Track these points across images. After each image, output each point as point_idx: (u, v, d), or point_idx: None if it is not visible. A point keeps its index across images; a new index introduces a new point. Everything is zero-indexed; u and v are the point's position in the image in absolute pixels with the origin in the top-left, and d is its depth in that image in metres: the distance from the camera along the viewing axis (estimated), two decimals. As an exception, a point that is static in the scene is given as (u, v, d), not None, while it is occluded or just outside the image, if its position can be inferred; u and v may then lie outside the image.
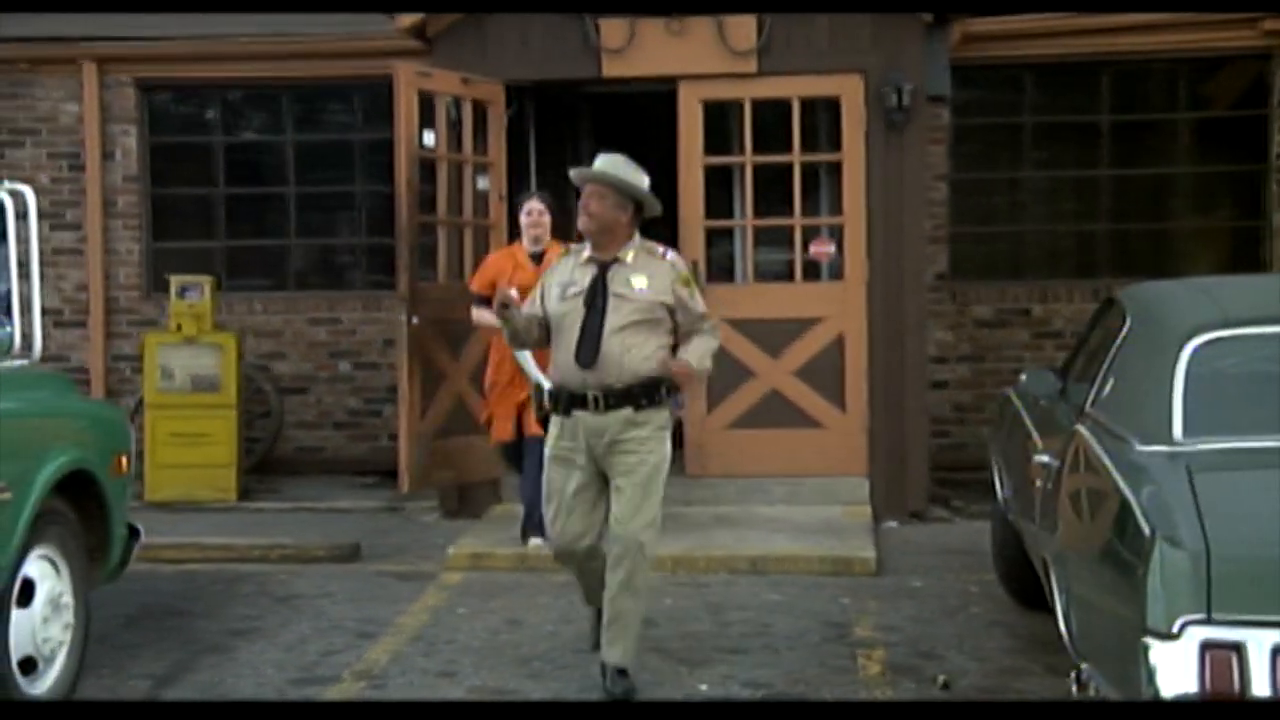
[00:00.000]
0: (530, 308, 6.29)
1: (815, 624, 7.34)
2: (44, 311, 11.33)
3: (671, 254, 6.24)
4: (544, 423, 6.30)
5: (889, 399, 9.67)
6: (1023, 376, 6.59)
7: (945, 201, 11.19)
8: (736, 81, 9.65)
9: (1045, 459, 5.62)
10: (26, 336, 4.59)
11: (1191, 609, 3.71)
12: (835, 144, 9.80)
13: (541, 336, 6.28)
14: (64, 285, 11.71)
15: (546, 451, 6.25)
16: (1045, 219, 11.45)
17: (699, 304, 6.21)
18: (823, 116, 10.04)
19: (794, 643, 7.03)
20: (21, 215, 4.48)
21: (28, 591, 5.56)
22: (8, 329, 4.56)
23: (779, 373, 9.71)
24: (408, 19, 9.68)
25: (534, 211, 8.14)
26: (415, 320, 8.94)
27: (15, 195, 4.50)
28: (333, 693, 6.30)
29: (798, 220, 9.77)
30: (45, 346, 4.73)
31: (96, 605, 7.58)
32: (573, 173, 6.28)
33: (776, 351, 9.69)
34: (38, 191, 11.44)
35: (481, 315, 8.10)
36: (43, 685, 5.70)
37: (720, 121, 9.92)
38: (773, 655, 6.82)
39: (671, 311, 6.12)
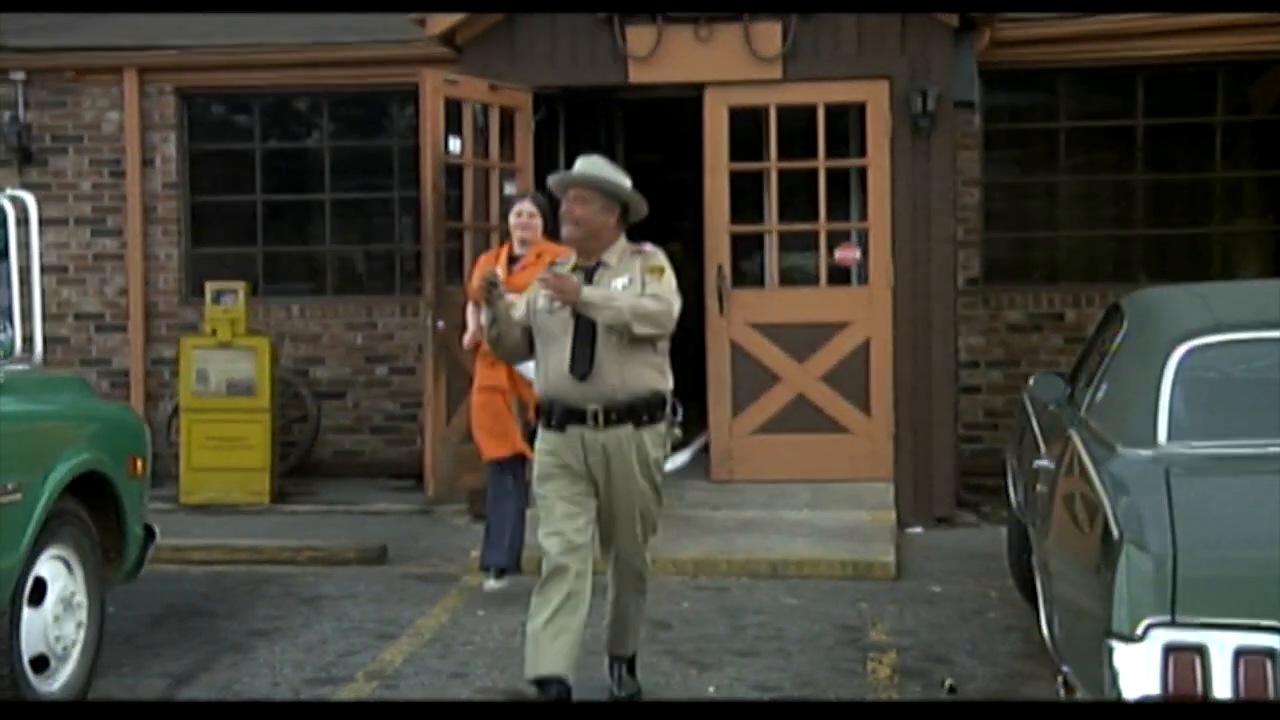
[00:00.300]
0: (517, 313, 5.93)
1: (830, 628, 7.38)
2: (79, 316, 11.75)
3: (649, 246, 5.90)
4: (528, 439, 6.10)
5: (915, 404, 9.68)
6: (1031, 381, 6.59)
7: (977, 206, 11.18)
8: (762, 88, 9.68)
9: (1044, 463, 5.64)
10: (29, 340, 4.68)
11: (1155, 612, 3.73)
12: (861, 149, 9.81)
13: (524, 343, 5.92)
14: (106, 290, 11.89)
15: (536, 468, 5.88)
16: (1079, 224, 11.42)
17: (655, 285, 5.69)
18: (848, 122, 10.04)
19: (806, 646, 7.07)
20: (22, 221, 4.57)
21: (40, 591, 5.68)
22: (9, 333, 4.66)
23: (805, 378, 9.73)
24: (438, 27, 9.78)
25: (523, 214, 7.78)
26: (441, 324, 9.02)
27: (16, 201, 4.58)
28: (345, 692, 6.39)
29: (823, 225, 9.78)
30: (47, 349, 4.82)
31: (123, 605, 7.79)
32: (552, 179, 6.01)
33: (802, 356, 9.71)
34: (80, 198, 11.85)
35: (470, 319, 7.86)
36: (55, 683, 5.81)
37: (747, 127, 9.94)
38: (784, 658, 6.86)
39: None
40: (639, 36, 9.73)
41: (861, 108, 9.72)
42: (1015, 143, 11.51)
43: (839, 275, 10.00)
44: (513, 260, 7.76)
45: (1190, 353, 4.82)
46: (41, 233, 11.52)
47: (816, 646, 7.06)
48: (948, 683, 6.37)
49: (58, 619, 5.76)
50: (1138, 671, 3.69)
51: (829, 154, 9.72)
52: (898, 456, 9.68)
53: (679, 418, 5.89)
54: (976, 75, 10.69)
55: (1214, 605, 3.72)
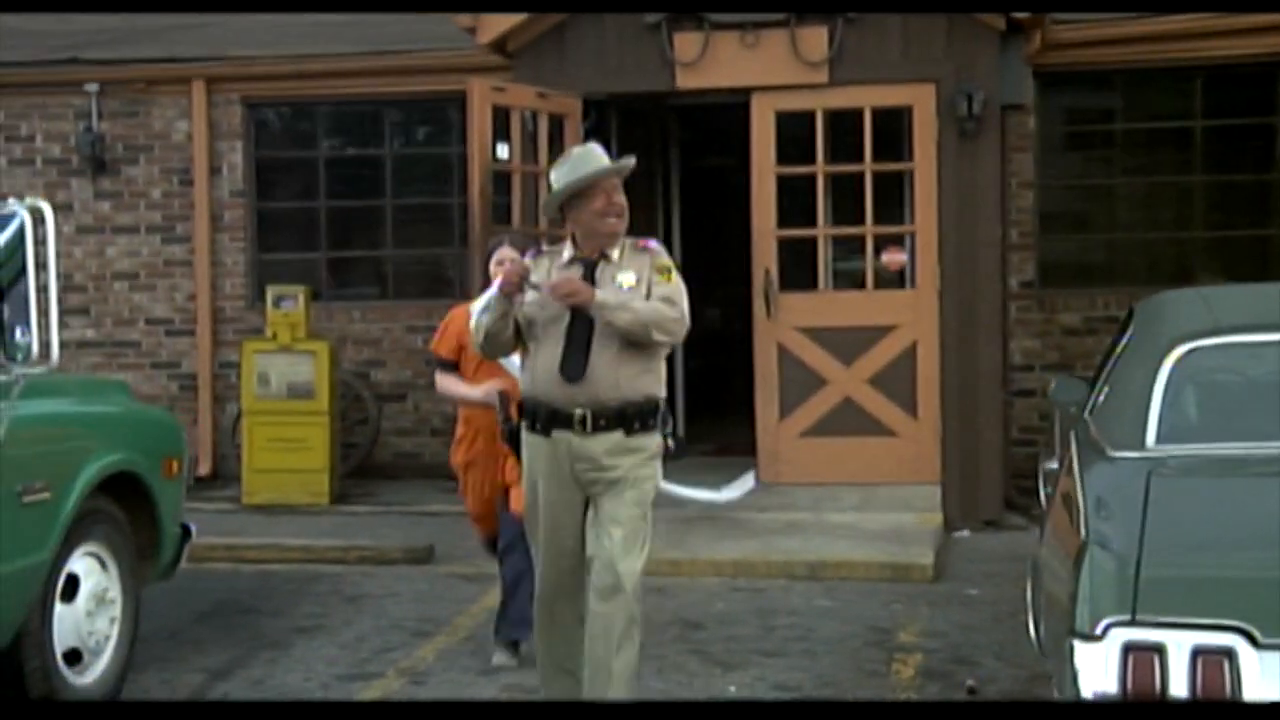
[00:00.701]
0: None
1: (860, 629, 7.43)
2: (150, 321, 12.04)
3: (654, 243, 5.55)
4: (512, 440, 5.61)
5: (963, 407, 9.70)
6: (1053, 384, 6.61)
7: (1032, 209, 11.16)
8: (809, 92, 9.75)
9: (1052, 466, 5.68)
10: (46, 344, 4.88)
11: (1116, 611, 3.77)
12: (908, 153, 9.83)
13: (512, 339, 5.51)
14: (175, 295, 12.17)
15: (524, 473, 5.54)
16: (1136, 226, 11.37)
17: (666, 289, 5.33)
18: (895, 126, 10.07)
19: (833, 647, 7.12)
20: (39, 229, 4.77)
21: (73, 587, 5.87)
22: (27, 338, 4.85)
23: (852, 380, 9.78)
24: (489, 35, 9.94)
25: (506, 260, 6.59)
26: (489, 328, 9.16)
27: (34, 211, 4.78)
28: (374, 688, 6.54)
29: (870, 229, 9.83)
30: (64, 351, 5.02)
31: (174, 601, 8.00)
32: (580, 175, 5.35)
33: (849, 359, 9.77)
34: (150, 206, 12.13)
35: (446, 383, 6.84)
36: (90, 676, 6.00)
37: (794, 131, 10.01)
38: (809, 659, 6.93)
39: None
40: (686, 43, 9.83)
41: (908, 111, 9.75)
42: (1071, 145, 11.48)
43: (886, 279, 10.04)
44: None
45: (1186, 355, 4.85)
46: (112, 239, 11.94)
47: (844, 647, 7.11)
48: (969, 684, 6.40)
49: (90, 614, 5.94)
50: (1096, 669, 3.74)
51: (876, 157, 9.76)
52: (945, 459, 9.70)
53: (670, 428, 5.52)
54: (1032, 77, 10.72)
55: (1174, 605, 3.75)
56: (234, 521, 10.20)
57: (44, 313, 4.86)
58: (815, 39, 9.73)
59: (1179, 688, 3.66)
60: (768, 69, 9.76)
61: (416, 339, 11.84)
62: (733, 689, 6.50)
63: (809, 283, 10.14)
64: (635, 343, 5.27)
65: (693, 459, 11.33)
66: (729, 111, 10.42)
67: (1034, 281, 11.17)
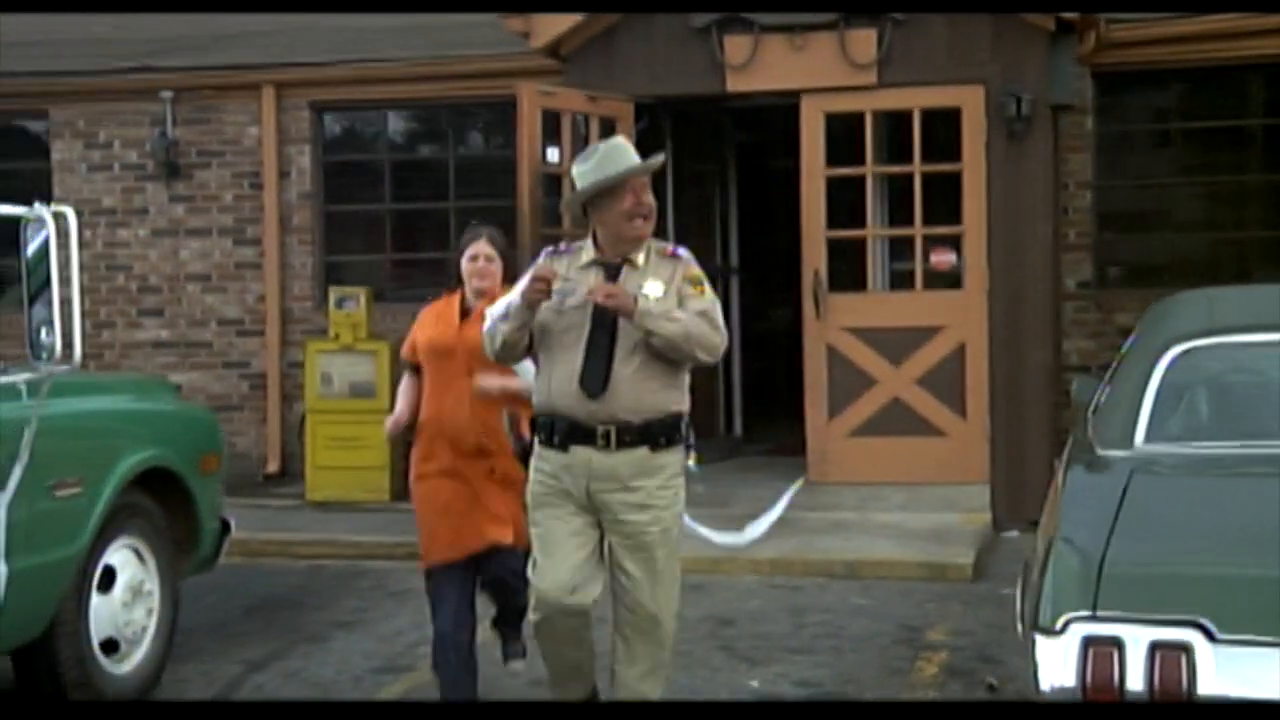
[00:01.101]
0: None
1: (890, 627, 7.49)
2: (221, 322, 12.31)
3: (683, 251, 5.20)
4: (521, 457, 5.30)
5: (1011, 408, 9.71)
6: (1075, 383, 6.64)
7: (1089, 209, 11.12)
8: (858, 94, 9.82)
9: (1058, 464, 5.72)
10: (68, 344, 5.09)
11: (1077, 607, 3.82)
12: (956, 154, 9.86)
13: (526, 348, 5.19)
14: (245, 297, 12.44)
15: (531, 490, 5.20)
16: (1194, 226, 11.30)
17: (702, 303, 5.03)
18: (945, 126, 10.09)
19: (861, 644, 7.19)
20: (63, 233, 4.98)
21: (110, 579, 6.08)
22: (50, 337, 5.06)
23: (900, 381, 9.83)
24: (542, 39, 10.10)
25: (479, 257, 6.00)
26: (536, 330, 9.31)
27: (58, 216, 4.99)
28: (403, 682, 6.70)
29: (918, 230, 9.88)
30: (84, 350, 5.23)
31: (224, 595, 8.25)
32: (606, 175, 5.00)
33: (898, 360, 9.82)
34: (222, 210, 12.41)
35: (391, 421, 6.26)
36: (127, 665, 6.21)
37: (843, 132, 10.07)
38: (835, 656, 7.00)
39: None
40: (736, 46, 9.93)
41: (956, 112, 9.77)
42: (1130, 144, 11.41)
43: (935, 279, 10.07)
44: (465, 313, 6.00)
45: (1181, 356, 4.88)
46: (185, 242, 12.22)
47: (871, 645, 7.18)
48: (989, 681, 6.45)
49: (126, 605, 6.14)
50: (1056, 663, 3.79)
51: (925, 159, 9.81)
52: (993, 460, 9.72)
53: (693, 442, 5.20)
54: (1090, 77, 10.71)
55: (1134, 601, 3.79)
56: (295, 518, 10.44)
57: (67, 314, 5.04)
58: (864, 41, 9.79)
59: (1136, 682, 3.70)
60: (816, 71, 9.83)
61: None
62: (754, 684, 6.59)
63: (858, 284, 10.19)
64: (660, 355, 4.95)
65: (747, 458, 11.48)
66: (787, 113, 10.50)
67: (1091, 282, 11.12)
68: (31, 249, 5.09)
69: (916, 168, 9.80)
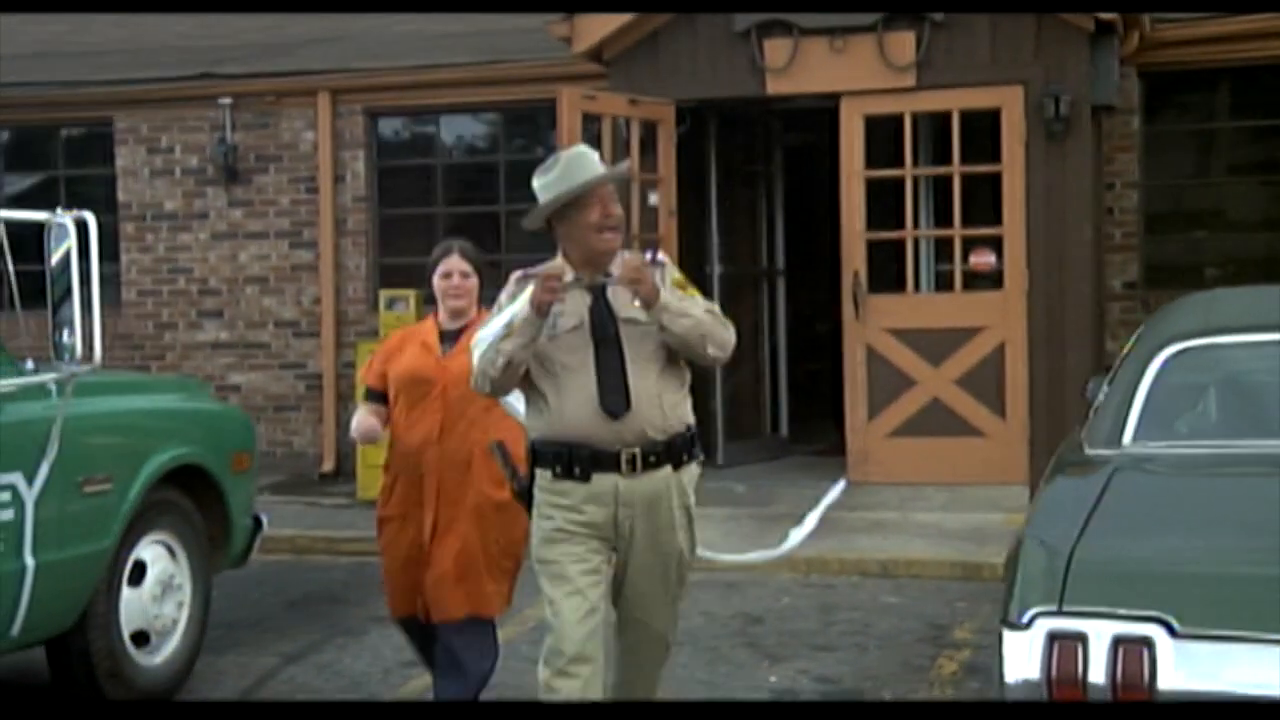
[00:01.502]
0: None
1: (918, 625, 7.55)
2: (279, 323, 12.55)
3: (661, 256, 4.90)
4: (523, 496, 4.84)
5: (1051, 408, 9.72)
6: (1089, 383, 6.67)
7: (1136, 209, 11.10)
8: (897, 96, 9.87)
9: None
10: (89, 345, 5.29)
11: (1044, 602, 3.88)
12: (996, 154, 9.88)
13: (520, 375, 4.72)
14: (302, 299, 12.66)
15: (539, 531, 4.77)
16: (1242, 225, 11.24)
17: (702, 301, 4.81)
18: (986, 127, 10.12)
19: (886, 642, 7.26)
20: (84, 238, 5.17)
21: (141, 572, 6.27)
22: (72, 338, 5.25)
23: (940, 381, 9.87)
24: (584, 43, 10.24)
25: (453, 274, 5.58)
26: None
27: (79, 222, 5.18)
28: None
29: (958, 231, 9.92)
30: (104, 351, 5.43)
31: (268, 590, 8.45)
32: (572, 185, 4.64)
33: (937, 360, 9.86)
34: (279, 213, 12.65)
35: (362, 424, 5.79)
36: (158, 657, 6.40)
37: (884, 134, 10.13)
38: (858, 653, 7.08)
39: None
40: (776, 49, 10.01)
41: (996, 114, 9.80)
42: (1177, 144, 11.36)
43: (975, 280, 10.10)
44: (444, 338, 5.63)
45: (1174, 356, 4.92)
46: (244, 245, 12.47)
47: (896, 643, 7.24)
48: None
49: (156, 599, 6.33)
50: (1021, 657, 3.86)
51: (966, 160, 9.84)
52: (1033, 460, 9.71)
53: (700, 454, 4.92)
54: (1137, 77, 10.69)
55: (1099, 596, 3.85)
56: (344, 516, 10.61)
57: (87, 316, 5.23)
58: (903, 43, 9.84)
59: (1097, 674, 3.76)
60: (856, 74, 9.89)
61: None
62: (773, 680, 6.69)
63: (898, 285, 10.23)
64: (670, 364, 4.72)
65: (793, 459, 11.55)
66: (834, 115, 10.55)
67: (1137, 282, 11.10)
68: (55, 254, 5.26)
69: (956, 169, 9.84)
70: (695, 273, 10.79)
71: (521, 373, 4.69)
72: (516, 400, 4.93)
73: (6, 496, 5.39)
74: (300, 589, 8.60)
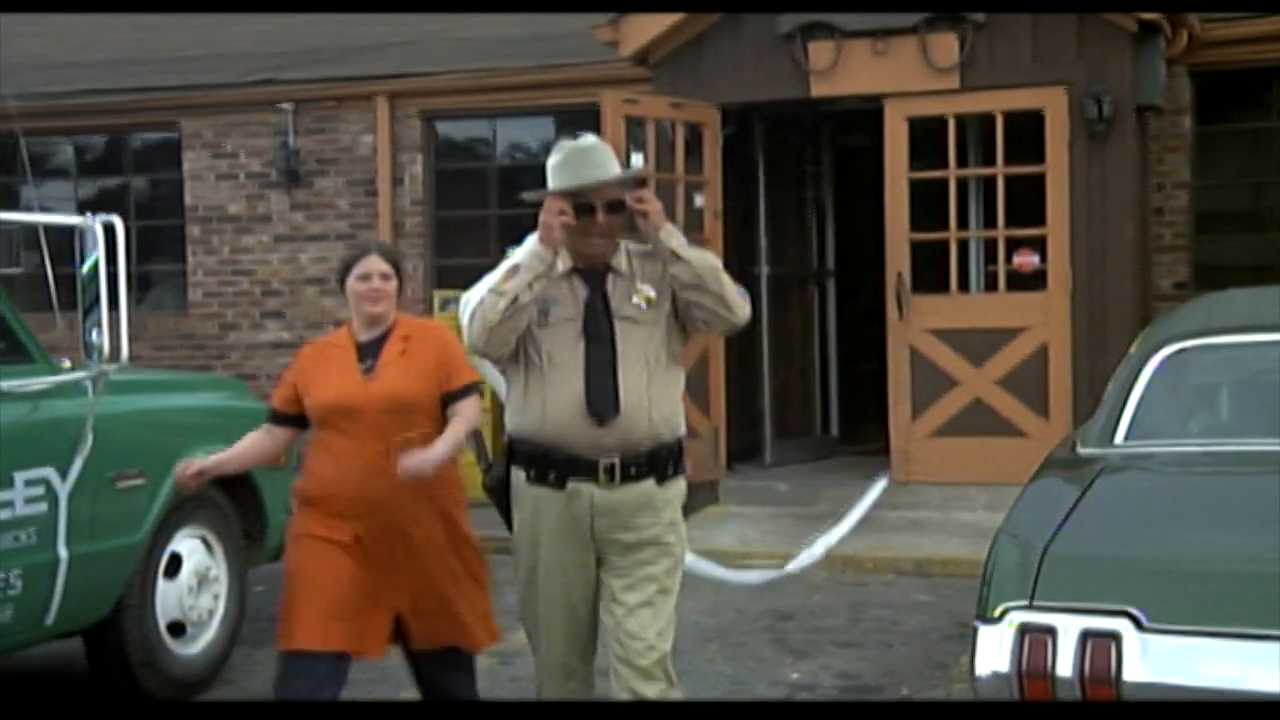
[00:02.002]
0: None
1: (945, 623, 7.60)
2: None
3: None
4: (495, 494, 4.63)
5: (1094, 408, 9.70)
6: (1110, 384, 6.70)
7: (1186, 210, 11.07)
8: (940, 98, 9.92)
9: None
10: (117, 344, 5.48)
11: (1016, 597, 3.96)
12: (1040, 155, 9.89)
13: (518, 335, 4.40)
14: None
15: (517, 533, 4.59)
16: (1295, 226, 11.19)
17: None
18: (1030, 128, 10.13)
19: (912, 639, 7.33)
20: (111, 242, 5.37)
21: (176, 565, 6.46)
22: (100, 338, 5.44)
23: (982, 381, 9.90)
24: (630, 47, 10.36)
25: (373, 275, 4.90)
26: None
27: (107, 225, 5.37)
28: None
29: (1001, 232, 9.95)
30: (130, 350, 5.63)
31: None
32: (573, 184, 4.33)
33: (980, 361, 9.90)
34: (339, 216, 12.88)
35: (211, 457, 5.21)
36: (193, 647, 6.59)
37: (929, 135, 10.17)
38: (882, 650, 7.15)
39: (675, 311, 4.44)
40: (819, 52, 10.09)
41: (1039, 115, 9.82)
42: (1228, 144, 11.32)
43: (1017, 281, 10.11)
44: (363, 352, 4.92)
45: (1171, 356, 4.96)
46: (304, 247, 12.70)
47: (922, 640, 7.31)
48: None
49: (192, 590, 6.52)
50: (993, 650, 3.94)
51: (1010, 161, 9.87)
52: (1076, 460, 9.73)
53: (686, 468, 4.57)
54: (1185, 76, 10.68)
55: (1070, 590, 3.92)
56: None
57: (115, 316, 5.42)
58: (945, 45, 9.88)
59: (1065, 667, 3.84)
60: (899, 76, 9.95)
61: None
62: (795, 675, 6.77)
63: (941, 285, 10.26)
64: (668, 368, 4.43)
65: (840, 458, 11.61)
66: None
67: (1187, 282, 11.06)
68: (86, 257, 5.45)
69: (999, 170, 9.87)
70: (743, 274, 10.92)
71: (523, 326, 4.34)
72: (494, 372, 4.65)
73: (39, 490, 5.58)
74: (345, 583, 8.76)
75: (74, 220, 5.53)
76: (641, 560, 4.45)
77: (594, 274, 4.43)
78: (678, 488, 4.53)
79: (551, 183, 4.40)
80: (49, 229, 6.51)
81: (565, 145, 4.44)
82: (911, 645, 7.22)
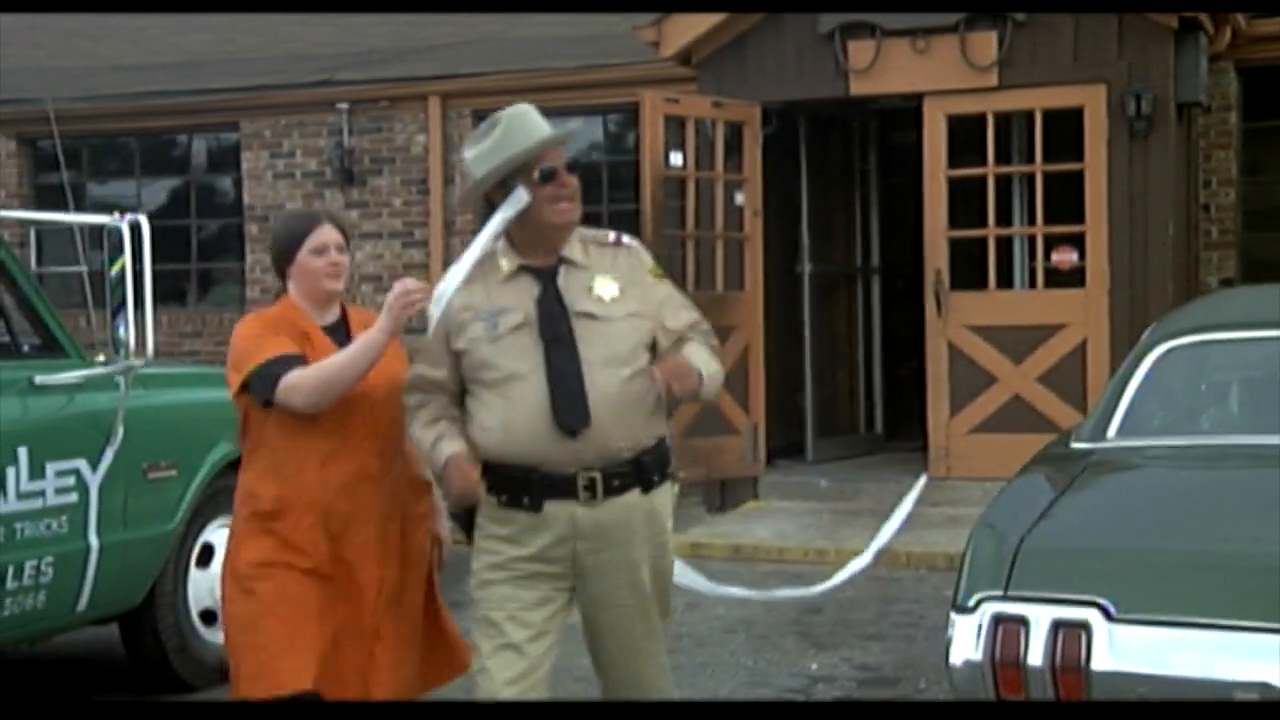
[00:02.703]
0: (429, 369, 4.05)
1: (971, 618, 7.65)
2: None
3: (628, 238, 4.17)
4: (462, 520, 4.14)
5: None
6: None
7: (1234, 206, 11.04)
8: (979, 95, 9.94)
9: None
10: (143, 340, 5.66)
11: (990, 587, 4.04)
12: (1079, 153, 9.90)
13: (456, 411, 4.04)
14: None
15: (477, 564, 4.11)
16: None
17: (688, 310, 4.17)
18: (1069, 125, 10.14)
19: (934, 634, 7.35)
20: (138, 239, 5.55)
21: (209, 555, 6.65)
22: (126, 333, 5.62)
23: (1021, 379, 9.93)
24: (672, 47, 10.47)
25: (330, 248, 4.32)
26: (659, 327, 9.69)
27: (133, 225, 5.55)
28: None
29: (1040, 229, 9.97)
30: (157, 346, 5.81)
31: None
32: (518, 150, 3.95)
33: (1019, 358, 9.92)
34: (393, 214, 13.09)
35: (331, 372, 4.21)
36: (226, 635, 6.76)
37: (971, 133, 10.20)
38: (904, 644, 7.23)
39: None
40: (859, 51, 10.15)
41: (1079, 112, 9.83)
42: (1276, 139, 11.26)
43: (1056, 278, 10.13)
44: (332, 337, 4.32)
45: (1168, 352, 5.02)
46: (360, 245, 12.94)
47: (944, 635, 7.34)
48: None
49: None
50: (967, 640, 4.03)
51: (1049, 158, 9.89)
52: (1115, 457, 9.74)
53: (675, 469, 4.18)
54: (1232, 72, 10.67)
55: (1043, 582, 4.00)
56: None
57: (141, 312, 5.61)
58: (985, 43, 9.91)
59: (1035, 656, 3.92)
60: (938, 74, 9.99)
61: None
62: (814, 667, 6.87)
63: (979, 282, 10.29)
64: (640, 366, 3.96)
65: (884, 455, 11.66)
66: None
67: (1235, 279, 11.04)
68: (113, 255, 5.63)
69: (1038, 168, 9.90)
70: (786, 272, 11.03)
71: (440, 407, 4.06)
72: None
73: (70, 481, 5.77)
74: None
75: (102, 220, 5.71)
76: (639, 589, 4.03)
77: (544, 270, 3.99)
78: (664, 496, 4.08)
79: (486, 166, 3.99)
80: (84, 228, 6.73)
81: (492, 122, 4.05)
82: (934, 639, 7.25)
